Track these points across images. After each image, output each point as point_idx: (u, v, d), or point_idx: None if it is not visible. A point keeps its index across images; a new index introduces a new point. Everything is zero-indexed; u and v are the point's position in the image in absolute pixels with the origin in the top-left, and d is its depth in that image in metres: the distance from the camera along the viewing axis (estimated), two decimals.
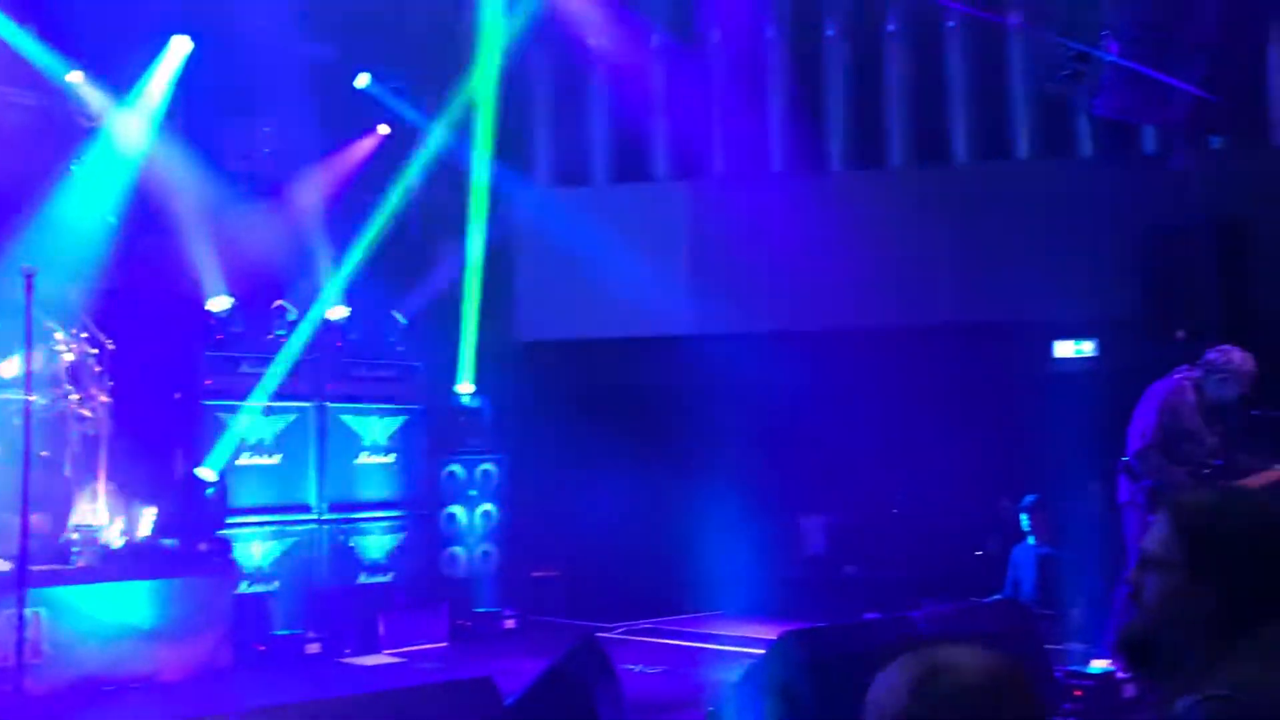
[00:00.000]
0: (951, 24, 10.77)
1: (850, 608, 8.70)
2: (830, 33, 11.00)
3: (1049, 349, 10.05)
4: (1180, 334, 8.02)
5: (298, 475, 8.67)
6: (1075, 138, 10.63)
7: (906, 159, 10.91)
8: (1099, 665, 6.03)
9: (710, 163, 11.03)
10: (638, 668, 7.09)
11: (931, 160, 10.83)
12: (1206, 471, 5.99)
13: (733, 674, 6.04)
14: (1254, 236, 8.39)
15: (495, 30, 9.81)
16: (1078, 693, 5.83)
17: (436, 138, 10.14)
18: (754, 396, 9.57)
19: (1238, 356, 6.01)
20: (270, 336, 8.72)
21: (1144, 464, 6.09)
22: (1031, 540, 8.58)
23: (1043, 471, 8.56)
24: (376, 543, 9.00)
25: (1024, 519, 8.57)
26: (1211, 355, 6.11)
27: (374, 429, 9.09)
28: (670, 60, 10.92)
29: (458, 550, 9.29)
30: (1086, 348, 10.05)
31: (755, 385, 9.55)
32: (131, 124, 8.55)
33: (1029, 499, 8.67)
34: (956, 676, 1.53)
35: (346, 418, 8.94)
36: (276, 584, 8.36)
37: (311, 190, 9.56)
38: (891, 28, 10.94)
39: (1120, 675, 5.88)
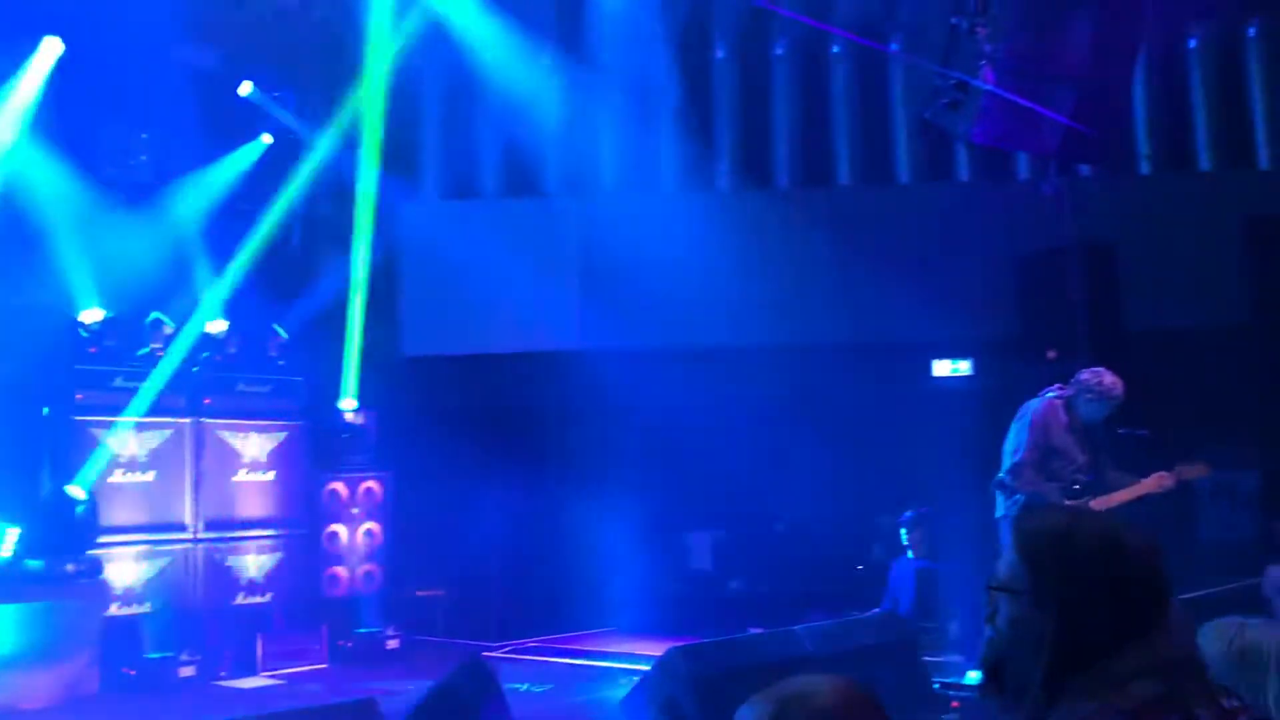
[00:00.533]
0: (836, 50, 11.04)
1: (735, 623, 8.78)
2: (719, 55, 11.17)
3: (928, 367, 10.33)
4: (1052, 354, 8.31)
5: (172, 493, 8.39)
6: (954, 163, 11.00)
7: (792, 180, 11.13)
8: (975, 677, 6.19)
9: (601, 179, 11.08)
10: (524, 686, 7.03)
11: (816, 182, 11.07)
12: (1076, 487, 6.22)
13: (619, 691, 6.04)
14: (1121, 260, 8.77)
15: (383, 41, 9.70)
16: (955, 704, 5.98)
17: (322, 148, 9.98)
18: (641, 413, 9.62)
19: (1108, 379, 6.25)
20: (145, 350, 8.45)
21: (1017, 480, 6.28)
22: (910, 555, 8.77)
23: (921, 487, 8.78)
24: (254, 562, 8.75)
25: (903, 533, 8.76)
26: (1083, 376, 6.34)
27: (253, 445, 8.85)
28: (562, 77, 10.93)
29: (339, 569, 9.10)
30: (963, 366, 10.36)
31: (642, 402, 9.60)
32: None
33: (908, 514, 8.87)
34: (808, 704, 1.55)
35: (224, 434, 8.69)
36: (149, 606, 8.06)
37: (190, 199, 9.31)
38: (779, 51, 11.16)
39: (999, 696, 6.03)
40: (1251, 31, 11.32)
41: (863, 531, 9.83)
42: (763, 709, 1.56)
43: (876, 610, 8.20)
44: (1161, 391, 8.24)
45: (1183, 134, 11.25)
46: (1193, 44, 11.32)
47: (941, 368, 10.31)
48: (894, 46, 10.64)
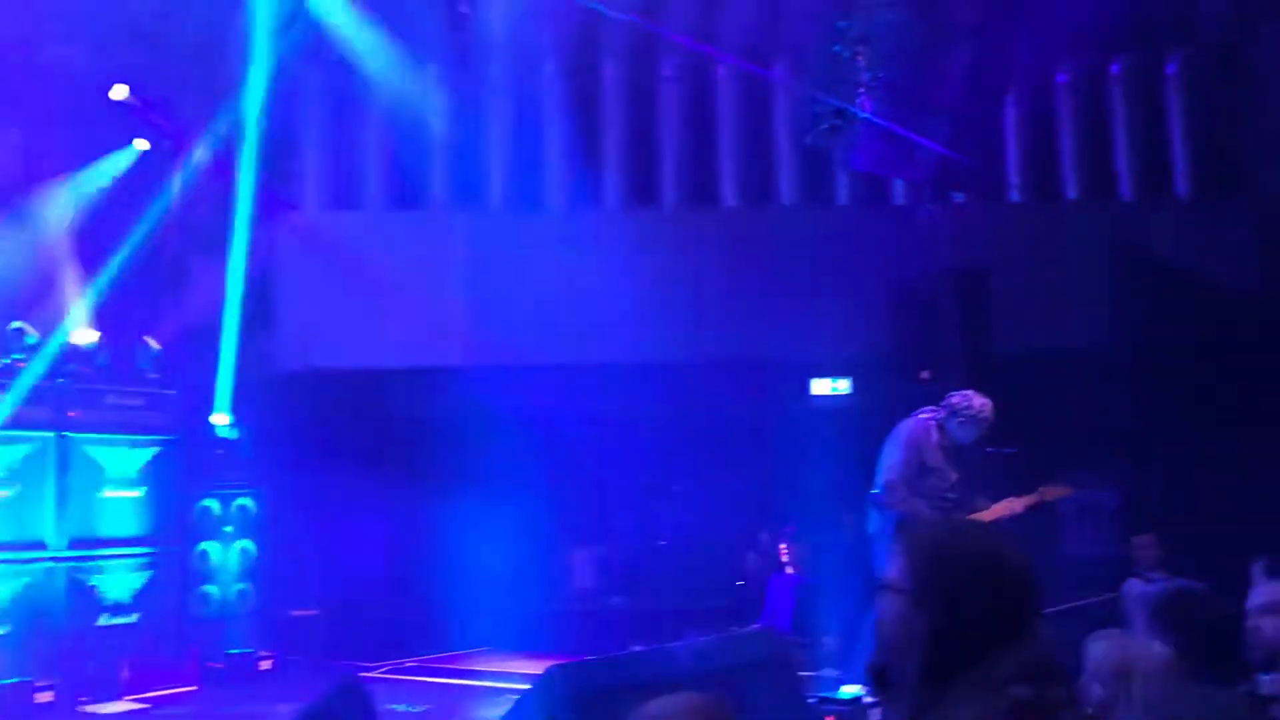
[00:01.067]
0: (723, 73, 11.21)
1: (617, 640, 8.79)
2: (607, 74, 11.23)
3: (807, 386, 10.53)
4: (925, 374, 8.57)
5: (34, 510, 8.03)
6: (835, 187, 11.25)
7: (679, 200, 11.25)
8: (850, 691, 6.31)
9: (488, 195, 11.02)
10: (402, 707, 6.92)
11: (702, 202, 11.20)
12: (946, 505, 6.40)
13: (498, 711, 5.99)
14: (992, 285, 9.08)
15: (265, 49, 9.50)
16: (830, 718, 6.08)
17: (199, 155, 9.72)
18: (524, 430, 9.59)
19: (978, 402, 6.46)
20: (6, 360, 8.09)
21: (891, 497, 6.44)
22: (789, 570, 8.92)
23: (800, 503, 8.94)
24: (121, 582, 8.44)
25: (782, 549, 8.91)
26: (955, 398, 6.54)
27: (122, 461, 8.55)
28: (450, 90, 10.86)
29: (210, 589, 8.84)
30: (842, 385, 10.59)
31: (526, 418, 9.58)
32: None
33: (787, 530, 9.03)
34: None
35: (91, 449, 8.37)
36: (5, 628, 7.71)
37: (59, 205, 8.97)
38: (667, 72, 11.28)
39: (869, 700, 6.17)
40: (1116, 69, 11.87)
41: (744, 548, 9.97)
42: None
43: (756, 625, 8.31)
44: (1028, 412, 8.55)
45: (1051, 165, 11.73)
46: (1061, 79, 11.82)
47: (821, 386, 10.52)
48: (778, 71, 10.85)
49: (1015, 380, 8.74)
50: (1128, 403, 9.38)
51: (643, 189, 11.26)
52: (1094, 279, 10.33)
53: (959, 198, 10.31)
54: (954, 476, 6.54)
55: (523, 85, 10.96)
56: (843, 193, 11.12)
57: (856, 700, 6.23)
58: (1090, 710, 2.07)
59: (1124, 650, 2.69)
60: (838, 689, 6.48)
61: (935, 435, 6.55)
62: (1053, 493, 6.66)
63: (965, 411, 6.47)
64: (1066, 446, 9.54)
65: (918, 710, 1.80)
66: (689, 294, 10.47)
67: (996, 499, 6.69)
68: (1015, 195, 11.56)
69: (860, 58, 6.45)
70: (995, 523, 6.11)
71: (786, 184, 11.25)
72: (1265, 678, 3.06)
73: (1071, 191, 11.71)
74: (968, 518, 6.14)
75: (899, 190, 10.80)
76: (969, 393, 6.56)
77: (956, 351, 8.20)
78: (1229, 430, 8.95)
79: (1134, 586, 7.06)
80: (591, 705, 5.01)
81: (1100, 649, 2.68)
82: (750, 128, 11.29)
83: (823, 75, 6.68)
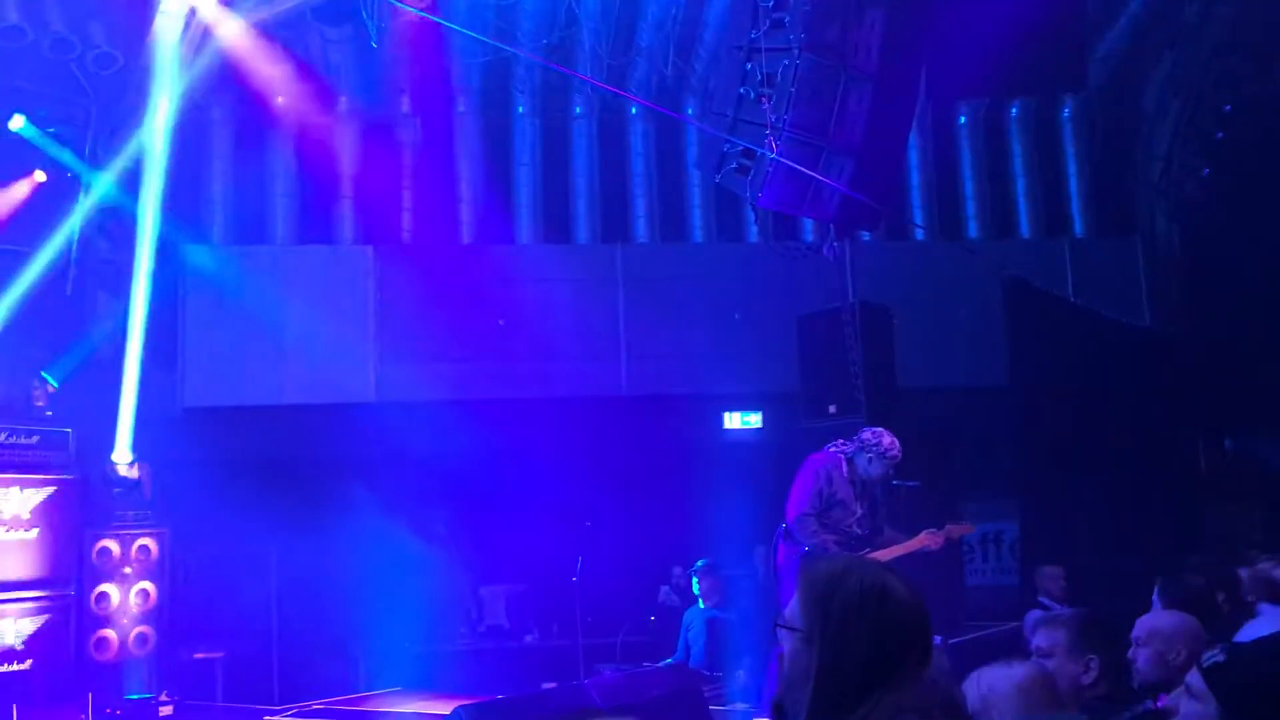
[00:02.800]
0: (634, 111, 11.35)
1: (531, 678, 8.73)
2: (520, 110, 11.29)
3: (720, 420, 10.63)
4: (832, 408, 8.71)
5: None
6: (746, 224, 11.43)
7: (592, 236, 11.32)
8: None
9: (398, 230, 10.97)
10: None
11: (615, 238, 11.29)
12: (853, 539, 6.52)
13: None
14: (894, 320, 9.29)
15: (170, 81, 9.36)
16: None
17: (100, 187, 9.52)
18: (434, 465, 9.52)
19: (887, 440, 6.60)
20: None
21: (801, 529, 6.53)
22: (701, 604, 8.95)
23: (713, 537, 8.99)
24: (12, 627, 8.13)
25: (695, 583, 8.94)
26: (865, 435, 6.68)
27: (14, 501, 8.27)
28: (359, 124, 10.81)
29: (108, 632, 8.57)
30: (754, 419, 10.71)
31: (436, 454, 9.51)
32: None
33: (699, 564, 9.06)
34: None
35: None
36: None
37: None
38: (578, 110, 11.37)
39: None
40: (1014, 111, 12.28)
41: (657, 582, 9.98)
42: None
43: (669, 660, 8.32)
44: (931, 446, 8.74)
45: (952, 204, 12.06)
46: (962, 121, 12.18)
47: (733, 420, 10.63)
48: (689, 111, 11.02)
49: (918, 414, 8.94)
50: (1027, 436, 9.63)
51: (555, 225, 11.32)
52: (992, 316, 10.61)
53: (865, 236, 10.54)
54: (860, 511, 6.66)
55: (435, 121, 10.97)
56: (752, 230, 11.31)
57: None
58: None
59: (1013, 675, 2.77)
60: None
61: (844, 469, 6.67)
62: (957, 530, 6.84)
63: (875, 448, 6.60)
64: (967, 479, 9.77)
65: None
66: (602, 329, 10.53)
67: (901, 531, 6.82)
68: (918, 234, 11.87)
69: (766, 100, 6.59)
70: (893, 561, 6.22)
71: (697, 221, 11.41)
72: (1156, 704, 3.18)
73: (972, 230, 12.05)
74: (868, 553, 6.26)
75: (808, 228, 11.02)
76: (880, 430, 6.70)
77: (860, 387, 8.37)
78: (1122, 464, 9.25)
79: (1034, 615, 7.24)
80: None
81: (989, 680, 2.75)
82: (661, 165, 11.43)
83: (731, 115, 6.81)
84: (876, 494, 6.82)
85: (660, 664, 8.14)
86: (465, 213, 11.07)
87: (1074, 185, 12.35)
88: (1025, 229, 12.17)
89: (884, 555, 6.37)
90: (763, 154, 6.63)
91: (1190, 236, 11.89)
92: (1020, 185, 12.25)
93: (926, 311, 10.20)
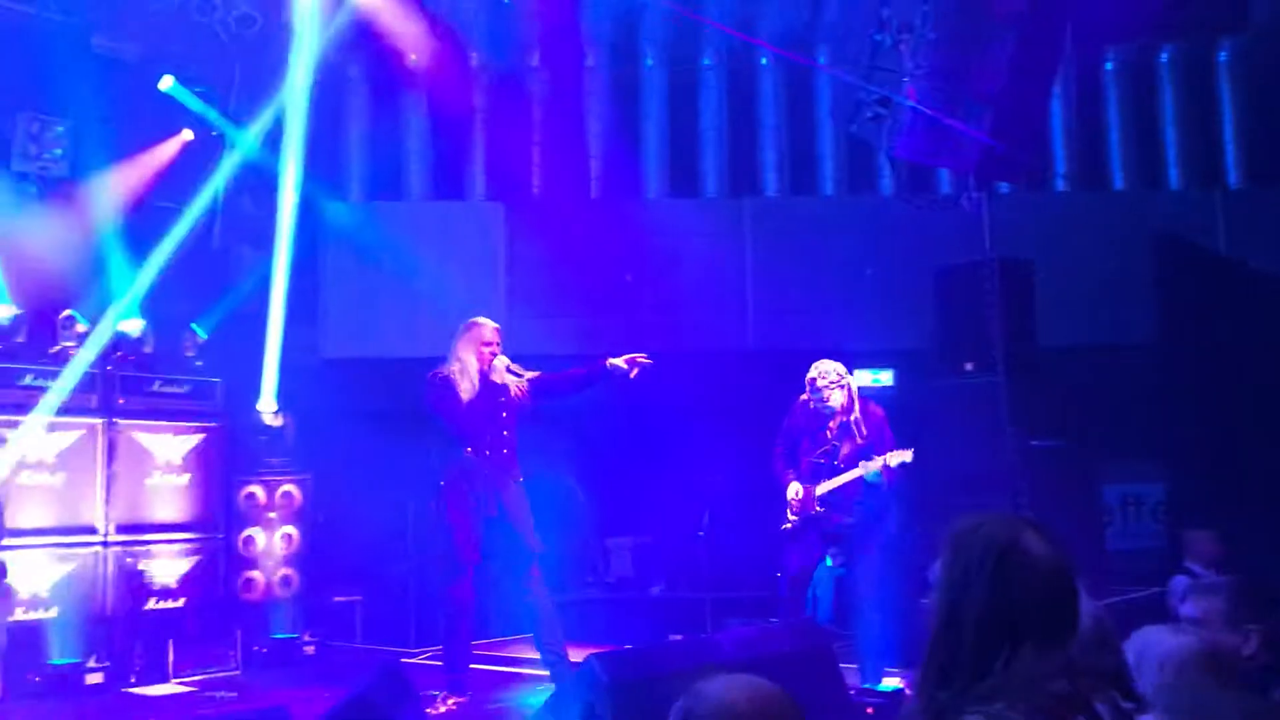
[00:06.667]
0: (765, 61, 11.16)
1: (656, 629, 8.81)
2: (649, 63, 11.22)
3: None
4: (969, 366, 8.49)
5: (82, 495, 8.17)
6: (878, 176, 11.17)
7: (720, 189, 11.21)
8: (891, 683, 6.29)
9: (528, 184, 11.06)
10: (440, 694, 6.96)
11: (743, 192, 11.16)
12: (817, 469, 6.95)
13: (537, 698, 6.03)
14: (1036, 275, 8.99)
15: (309, 38, 9.57)
16: (869, 710, 6.06)
17: (244, 145, 9.83)
18: (562, 419, 9.61)
19: (811, 370, 6.90)
20: (56, 348, 8.23)
21: (773, 465, 6.77)
22: (829, 561, 8.87)
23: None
24: (167, 567, 8.57)
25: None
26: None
27: (168, 447, 8.67)
28: (490, 80, 10.90)
29: (255, 574, 8.95)
30: (884, 377, 10.51)
31: (563, 406, 9.59)
32: None
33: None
34: (726, 710, 1.59)
35: (138, 435, 8.50)
36: (55, 610, 7.85)
37: (107, 195, 9.09)
38: (708, 61, 11.24)
39: (909, 693, 6.14)
40: (1165, 57, 11.69)
41: (785, 539, 9.91)
42: (686, 711, 1.60)
43: (795, 617, 8.29)
44: (1073, 405, 8.46)
45: (1098, 154, 11.57)
46: (1110, 66, 11.65)
47: (862, 378, 10.44)
48: (820, 59, 10.79)
49: (1060, 373, 8.66)
50: (1174, 396, 9.26)
51: (683, 179, 11.25)
52: (1138, 270, 10.19)
53: (1004, 187, 10.20)
54: (823, 443, 6.97)
55: (564, 75, 10.98)
56: (886, 182, 11.04)
57: (897, 693, 6.21)
58: (1131, 706, 2.05)
59: (1166, 643, 2.67)
60: (878, 681, 6.46)
61: (807, 403, 7.03)
62: (895, 458, 6.75)
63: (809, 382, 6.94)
64: (1110, 440, 9.44)
65: (950, 703, 1.80)
66: (730, 284, 10.45)
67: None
68: (1061, 184, 11.43)
69: (903, 45, 6.39)
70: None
71: (828, 173, 11.19)
72: None
73: (1118, 181, 11.56)
74: (818, 486, 6.81)
75: (943, 179, 10.71)
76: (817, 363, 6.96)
77: (999, 344, 8.13)
78: (1276, 423, 8.81)
79: (1181, 582, 6.98)
80: (630, 695, 5.02)
81: (1143, 642, 2.65)
82: (792, 116, 11.23)
83: (866, 63, 6.63)
84: (838, 425, 6.93)
85: (788, 620, 8.10)
86: (594, 167, 11.09)
87: (1229, 133, 11.72)
88: (1175, 179, 11.62)
89: (831, 484, 6.78)
90: (899, 102, 6.45)
91: None
92: (1170, 134, 11.68)
93: (1068, 265, 9.83)
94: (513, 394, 6.76)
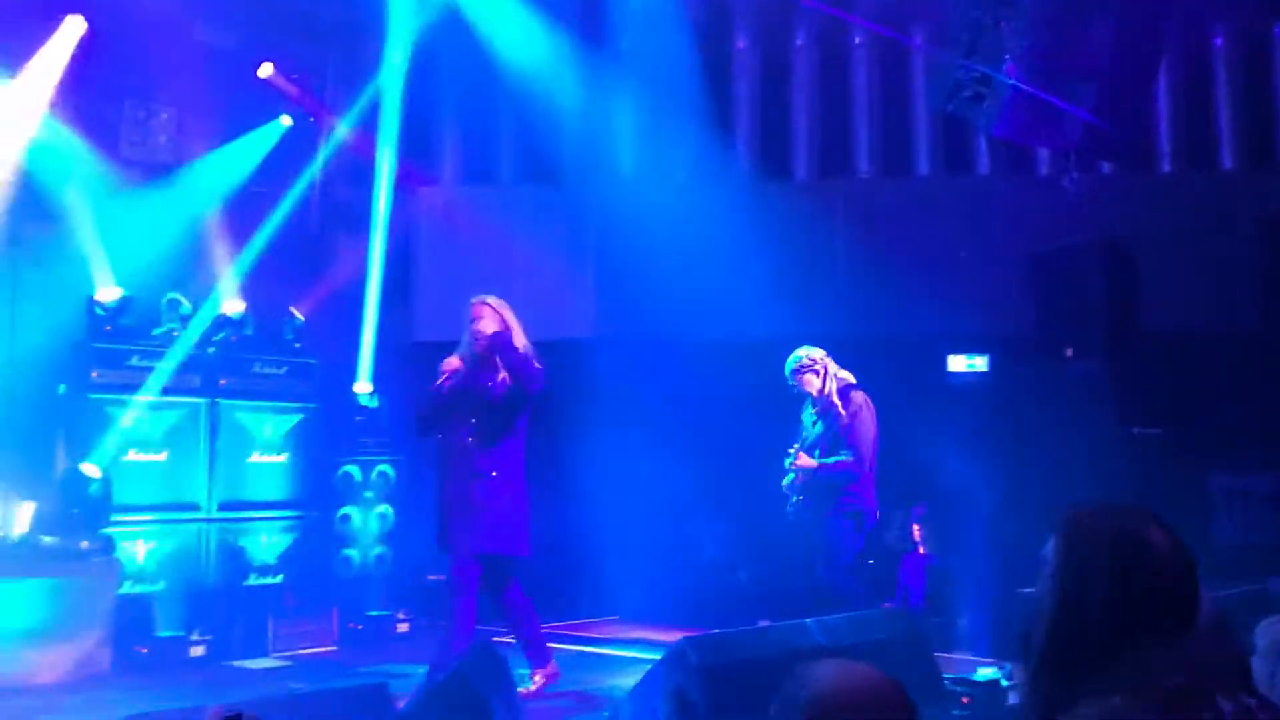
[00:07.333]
0: (858, 40, 10.98)
1: (744, 614, 8.77)
2: (740, 44, 11.12)
3: (943, 362, 10.28)
4: (1069, 351, 8.29)
5: (186, 473, 8.42)
6: (975, 156, 10.92)
7: (811, 171, 11.08)
8: (985, 673, 6.19)
9: (617, 167, 11.04)
10: (530, 672, 7.03)
11: (835, 173, 11.01)
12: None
13: (627, 680, 6.05)
14: (1139, 258, 8.72)
15: (403, 24, 9.69)
16: (965, 700, 5.97)
17: (339, 132, 9.99)
18: (654, 403, 9.62)
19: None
20: (162, 329, 8.48)
21: None
22: (921, 549, 8.77)
23: (934, 481, 8.76)
24: (267, 543, 8.79)
25: (915, 528, 8.76)
26: None
27: (267, 427, 8.88)
28: (580, 63, 10.90)
29: (351, 552, 9.13)
30: (979, 362, 10.31)
31: (655, 392, 9.60)
32: (19, 104, 8.22)
33: (919, 508, 8.87)
34: (839, 695, 1.57)
35: (239, 414, 8.72)
36: (161, 584, 8.11)
37: (209, 180, 9.32)
38: (800, 41, 11.10)
39: (1006, 682, 6.04)
40: (1278, 31, 11.22)
41: (875, 524, 9.80)
42: (795, 694, 1.58)
43: (887, 604, 8.20)
44: (1178, 392, 8.21)
45: (1205, 132, 11.16)
46: (1218, 42, 11.23)
47: (957, 363, 10.26)
48: (916, 38, 10.58)
49: (1164, 359, 8.40)
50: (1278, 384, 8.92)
51: (774, 161, 11.13)
52: (1249, 253, 9.82)
53: (1106, 167, 9.91)
54: (804, 431, 7.18)
55: (654, 56, 10.92)
56: (982, 162, 10.79)
57: (992, 682, 6.11)
58: (1254, 701, 1.98)
59: None
60: (973, 670, 6.36)
61: None
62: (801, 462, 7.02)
63: None
64: (1219, 429, 9.13)
65: (1062, 695, 1.77)
66: (821, 267, 10.32)
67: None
68: (1166, 164, 11.06)
69: (1004, 22, 6.24)
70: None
71: (922, 154, 10.98)
72: None
73: (1226, 161, 11.15)
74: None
75: (1042, 159, 10.44)
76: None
77: (1103, 328, 7.90)
78: None
79: None
80: (721, 678, 5.02)
81: (1275, 632, 2.57)
82: (885, 96, 11.04)
83: (964, 41, 6.48)
84: (816, 412, 7.13)
85: (880, 607, 8.02)
86: (683, 149, 11.03)
87: None
88: None
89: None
90: (999, 80, 6.30)
91: None
92: None
93: (1174, 248, 9.51)
94: (499, 379, 6.50)
